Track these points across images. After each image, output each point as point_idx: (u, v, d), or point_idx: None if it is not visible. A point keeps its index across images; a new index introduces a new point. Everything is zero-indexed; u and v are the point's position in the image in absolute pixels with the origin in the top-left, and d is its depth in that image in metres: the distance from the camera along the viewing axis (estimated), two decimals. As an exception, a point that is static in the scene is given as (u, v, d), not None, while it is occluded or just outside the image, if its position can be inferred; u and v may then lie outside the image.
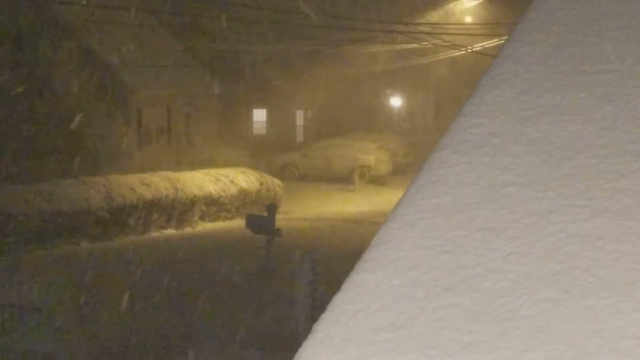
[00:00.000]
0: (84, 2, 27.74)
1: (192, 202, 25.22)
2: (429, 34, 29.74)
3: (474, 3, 40.12)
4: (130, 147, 31.18)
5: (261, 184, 27.99)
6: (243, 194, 27.05)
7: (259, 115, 41.14)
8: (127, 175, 24.79)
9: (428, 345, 1.75)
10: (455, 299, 1.82)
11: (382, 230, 2.01)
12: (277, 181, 29.16)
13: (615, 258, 1.86)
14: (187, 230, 24.84)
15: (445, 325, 1.78)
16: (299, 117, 42.07)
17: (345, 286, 1.90)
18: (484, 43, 29.82)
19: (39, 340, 12.93)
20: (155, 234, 23.88)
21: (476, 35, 31.28)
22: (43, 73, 28.13)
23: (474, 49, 29.99)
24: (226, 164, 29.80)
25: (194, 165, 29.44)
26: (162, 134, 33.80)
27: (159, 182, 24.80)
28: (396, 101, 43.71)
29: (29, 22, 27.66)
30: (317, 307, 12.52)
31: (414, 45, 33.83)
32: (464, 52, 32.06)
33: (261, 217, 19.88)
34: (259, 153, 37.13)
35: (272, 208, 19.70)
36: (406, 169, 35.54)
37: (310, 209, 29.13)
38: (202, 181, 26.23)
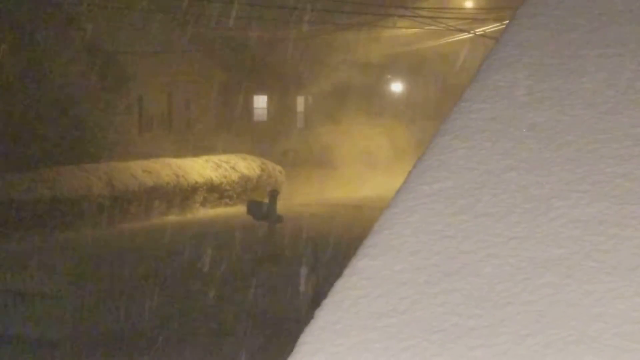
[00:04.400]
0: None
1: (194, 188, 25.22)
2: (430, 18, 29.69)
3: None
4: (131, 134, 31.18)
5: (262, 170, 27.99)
6: (244, 180, 27.04)
7: (260, 102, 41.11)
8: (129, 162, 24.80)
9: (430, 331, 1.75)
10: (457, 284, 1.82)
11: (384, 215, 2.01)
12: (278, 167, 29.15)
13: (616, 242, 1.86)
14: (189, 216, 24.85)
15: (447, 311, 1.78)
16: (300, 103, 42.03)
17: (347, 272, 1.90)
18: (486, 27, 29.77)
19: (41, 327, 12.95)
20: (156, 221, 23.89)
21: (478, 20, 31.21)
22: (44, 60, 28.09)
23: (476, 33, 29.92)
24: (227, 150, 29.80)
25: (195, 151, 29.44)
26: (163, 120, 33.79)
27: (160, 169, 24.80)
28: (397, 86, 43.66)
29: (29, 7, 27.62)
30: (319, 293, 12.53)
31: (416, 29, 33.76)
32: (466, 36, 31.99)
33: (262, 203, 19.87)
34: (260, 139, 37.12)
35: (274, 194, 19.69)
36: (407, 155, 35.52)
37: (311, 195, 29.13)
38: (203, 168, 26.23)
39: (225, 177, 26.48)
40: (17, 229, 20.49)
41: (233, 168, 27.07)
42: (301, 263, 13.40)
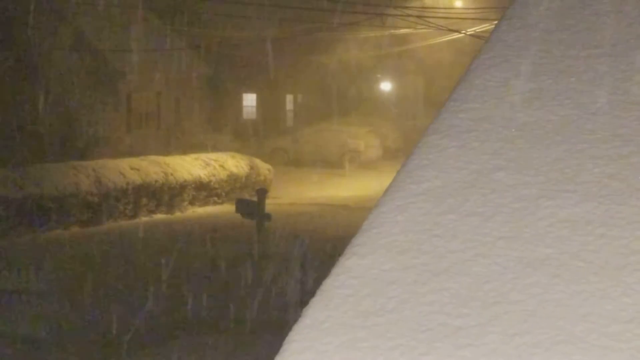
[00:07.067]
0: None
1: (182, 186, 25.18)
2: (420, 17, 29.71)
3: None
4: (120, 132, 31.12)
5: (251, 168, 27.96)
6: (233, 179, 27.01)
7: (249, 100, 41.09)
8: (117, 160, 24.74)
9: (418, 330, 1.75)
10: (445, 283, 1.82)
11: (372, 214, 2.01)
12: (266, 166, 29.13)
13: (604, 243, 1.86)
14: (177, 214, 24.81)
15: (435, 310, 1.78)
16: (289, 102, 42.02)
17: (335, 271, 1.90)
18: (476, 28, 29.81)
19: (29, 325, 12.91)
20: (144, 219, 23.85)
21: (468, 20, 31.26)
22: (34, 57, 28.01)
23: (466, 33, 29.96)
24: (216, 149, 29.76)
25: (184, 149, 29.39)
26: (151, 118, 33.73)
27: (149, 167, 24.75)
28: (386, 86, 43.68)
29: (20, 5, 27.53)
30: (306, 292, 12.53)
31: (404, 30, 33.80)
32: (454, 36, 32.04)
33: (251, 202, 19.87)
34: (249, 137, 37.09)
35: (262, 192, 19.68)
36: (396, 154, 35.56)
37: (300, 194, 29.12)
38: (192, 166, 26.18)
39: (213, 175, 26.45)
40: (4, 227, 20.42)
41: (222, 166, 27.04)
42: (289, 261, 13.41)
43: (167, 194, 24.77)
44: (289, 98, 41.92)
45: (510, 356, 1.69)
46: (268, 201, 20.20)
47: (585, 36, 2.30)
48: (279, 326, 12.11)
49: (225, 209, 24.37)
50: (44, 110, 27.79)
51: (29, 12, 27.49)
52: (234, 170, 27.27)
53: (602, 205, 1.93)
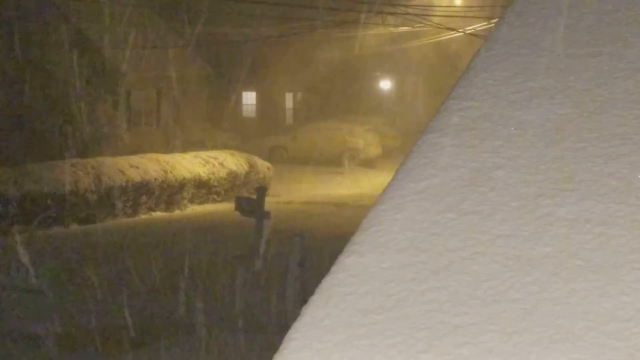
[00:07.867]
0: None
1: (181, 184, 25.18)
2: (419, 15, 29.69)
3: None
4: (119, 129, 31.10)
5: (250, 166, 27.95)
6: (232, 177, 27.01)
7: (249, 98, 41.08)
8: (116, 158, 24.74)
9: (416, 328, 1.75)
10: (444, 281, 1.83)
11: (371, 213, 2.01)
12: (266, 164, 29.12)
13: (602, 241, 1.86)
14: (176, 212, 24.80)
15: (433, 308, 1.78)
16: (289, 100, 42.00)
17: (334, 269, 1.90)
18: (476, 26, 29.79)
19: (30, 322, 12.92)
20: (144, 216, 23.85)
21: (467, 18, 31.25)
22: (33, 55, 28.00)
23: (465, 32, 29.94)
24: (215, 146, 29.74)
25: (183, 147, 29.38)
26: (151, 116, 33.71)
27: (148, 165, 24.74)
28: (386, 84, 43.66)
29: (19, 3, 27.51)
30: (306, 290, 12.54)
31: (404, 27, 33.79)
32: (454, 34, 32.04)
33: (250, 200, 19.84)
34: (249, 135, 37.09)
35: (262, 190, 19.66)
36: (395, 152, 35.56)
37: (299, 192, 29.12)
38: (191, 163, 26.18)
39: (213, 173, 26.44)
40: (4, 224, 20.42)
41: (221, 164, 27.03)
42: (288, 259, 13.42)
43: (167, 191, 24.77)
44: (289, 96, 41.90)
45: (508, 354, 1.69)
46: (267, 199, 20.18)
47: (584, 35, 2.31)
48: (277, 325, 12.12)
49: (225, 207, 24.37)
50: (43, 108, 27.77)
51: (30, 10, 27.47)
52: (234, 168, 27.26)
53: (601, 203, 1.93)
